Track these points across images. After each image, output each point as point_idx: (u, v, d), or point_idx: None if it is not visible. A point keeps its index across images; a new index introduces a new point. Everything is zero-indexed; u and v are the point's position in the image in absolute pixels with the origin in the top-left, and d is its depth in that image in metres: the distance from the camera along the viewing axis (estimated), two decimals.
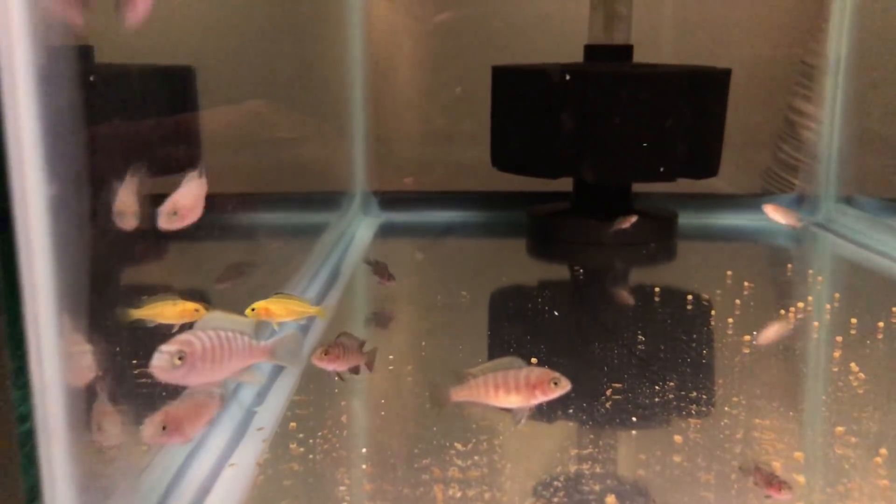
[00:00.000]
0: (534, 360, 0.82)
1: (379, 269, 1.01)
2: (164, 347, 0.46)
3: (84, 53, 0.63)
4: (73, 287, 0.41)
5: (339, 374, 0.64)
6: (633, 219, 1.27)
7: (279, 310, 0.67)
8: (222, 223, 1.00)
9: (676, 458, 0.64)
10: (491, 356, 0.88)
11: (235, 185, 1.07)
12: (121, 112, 0.76)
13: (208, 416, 0.52)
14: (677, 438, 0.67)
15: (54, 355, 0.40)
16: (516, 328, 0.96)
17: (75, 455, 0.43)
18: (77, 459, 0.43)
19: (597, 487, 0.60)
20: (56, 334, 0.40)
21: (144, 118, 0.85)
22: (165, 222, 0.57)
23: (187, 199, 0.57)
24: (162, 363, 0.45)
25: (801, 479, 0.60)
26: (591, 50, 1.39)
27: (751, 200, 1.55)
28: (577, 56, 1.40)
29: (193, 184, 0.59)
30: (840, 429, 0.68)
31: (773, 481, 0.56)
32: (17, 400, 0.40)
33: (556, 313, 1.02)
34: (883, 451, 0.63)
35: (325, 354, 0.60)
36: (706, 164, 1.34)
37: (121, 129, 0.75)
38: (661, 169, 1.29)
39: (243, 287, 0.88)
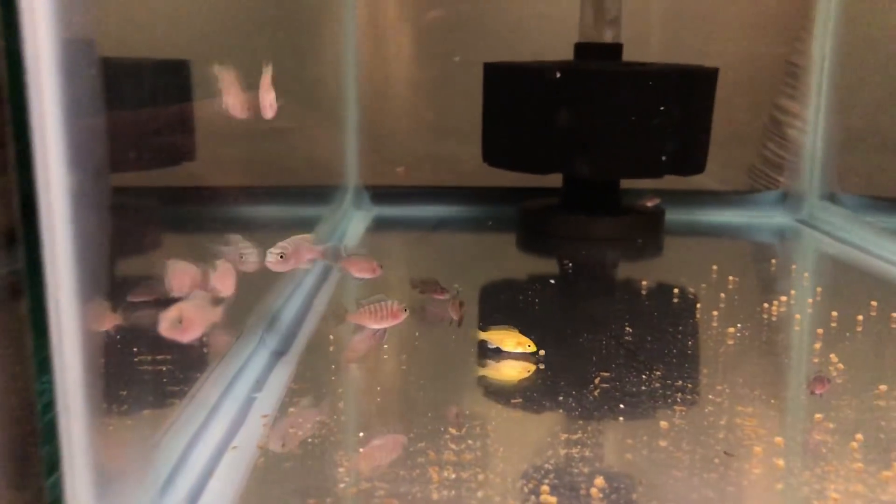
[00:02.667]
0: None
1: (429, 287, 1.00)
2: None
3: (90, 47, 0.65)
4: (93, 275, 0.43)
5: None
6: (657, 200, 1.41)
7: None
8: (218, 215, 1.02)
9: (662, 443, 0.66)
10: (482, 347, 0.90)
11: (230, 178, 1.09)
12: (124, 104, 0.78)
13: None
14: (663, 424, 0.69)
15: (75, 343, 0.43)
16: (507, 320, 0.98)
17: (93, 440, 0.45)
18: (95, 444, 0.45)
19: (586, 470, 0.62)
20: (77, 322, 0.42)
21: (143, 110, 0.87)
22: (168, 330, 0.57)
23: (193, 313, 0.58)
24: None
25: (780, 462, 0.63)
26: (581, 48, 1.41)
27: (736, 197, 1.59)
28: (568, 54, 1.42)
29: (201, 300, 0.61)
30: (819, 415, 0.70)
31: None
32: (40, 388, 0.43)
33: (546, 305, 1.04)
34: (859, 436, 0.66)
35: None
36: (693, 161, 1.37)
37: (125, 121, 0.76)
38: (649, 165, 1.32)
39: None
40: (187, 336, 0.55)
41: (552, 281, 1.09)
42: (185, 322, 0.54)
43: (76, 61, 0.43)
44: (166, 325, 0.53)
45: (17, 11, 0.38)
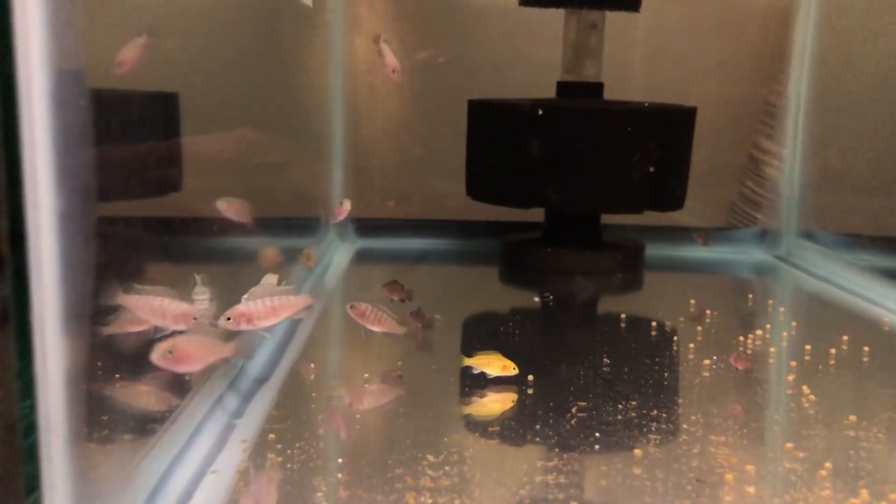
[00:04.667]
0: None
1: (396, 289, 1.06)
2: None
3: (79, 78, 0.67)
4: (78, 300, 0.44)
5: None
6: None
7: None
8: (205, 246, 1.04)
9: (636, 470, 0.67)
10: (464, 376, 0.91)
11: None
12: (113, 135, 0.79)
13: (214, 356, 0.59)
14: (637, 452, 0.70)
15: (58, 364, 0.44)
16: (489, 350, 0.99)
17: (74, 461, 0.46)
18: (76, 465, 0.46)
19: (561, 496, 0.63)
20: (61, 346, 0.43)
21: (131, 141, 0.89)
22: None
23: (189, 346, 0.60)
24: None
25: (751, 489, 0.64)
26: (563, 86, 1.44)
27: (716, 234, 1.61)
28: (550, 92, 1.46)
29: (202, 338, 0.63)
30: (789, 445, 0.72)
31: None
32: (23, 410, 0.44)
33: (527, 337, 1.06)
34: (828, 464, 0.68)
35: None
36: (672, 198, 1.40)
37: (113, 152, 0.78)
38: (629, 201, 1.34)
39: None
40: (180, 367, 0.57)
41: (536, 299, 1.12)
42: (176, 353, 0.56)
43: (66, 91, 0.44)
44: (157, 354, 0.55)
45: (12, 38, 0.39)
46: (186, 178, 1.03)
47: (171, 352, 0.57)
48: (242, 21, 1.32)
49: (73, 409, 0.46)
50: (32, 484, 0.44)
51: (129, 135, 0.88)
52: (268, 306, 0.70)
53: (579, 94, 1.43)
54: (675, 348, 1.01)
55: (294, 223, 1.39)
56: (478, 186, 1.44)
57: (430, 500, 0.62)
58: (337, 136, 1.57)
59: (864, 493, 0.63)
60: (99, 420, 0.59)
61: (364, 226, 1.57)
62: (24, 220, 0.43)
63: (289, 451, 0.69)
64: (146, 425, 0.68)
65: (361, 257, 1.50)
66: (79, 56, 0.49)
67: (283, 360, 0.92)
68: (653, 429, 0.75)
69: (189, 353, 0.58)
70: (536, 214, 1.47)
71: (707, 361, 0.93)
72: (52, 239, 0.43)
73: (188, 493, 0.62)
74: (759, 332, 1.06)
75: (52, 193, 0.43)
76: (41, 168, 0.43)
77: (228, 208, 0.97)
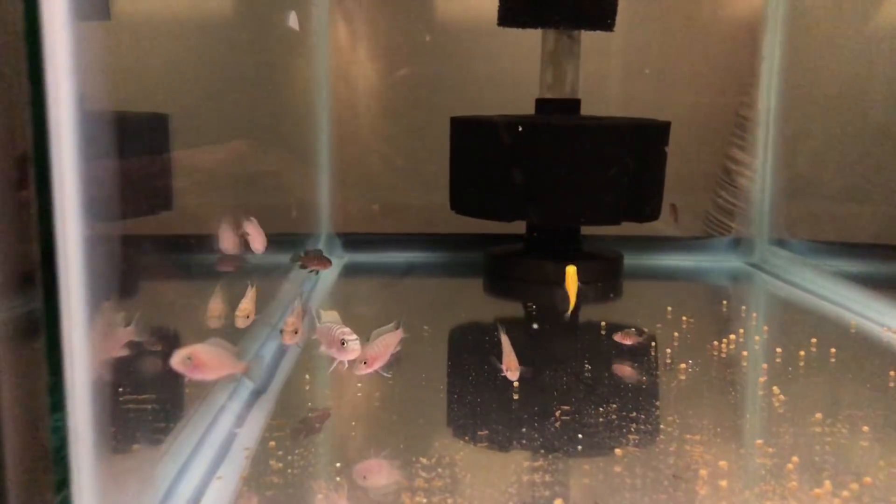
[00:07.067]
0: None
1: (308, 259, 1.08)
2: None
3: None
4: (100, 311, 0.49)
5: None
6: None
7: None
8: (191, 263, 1.07)
9: (617, 469, 0.72)
10: (451, 385, 0.96)
11: (206, 227, 1.14)
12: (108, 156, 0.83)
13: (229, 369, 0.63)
14: (618, 452, 0.75)
15: (85, 375, 0.48)
16: (474, 359, 1.04)
17: (99, 463, 0.50)
18: (101, 467, 0.50)
19: (546, 493, 0.68)
20: (87, 356, 0.47)
21: (125, 161, 0.92)
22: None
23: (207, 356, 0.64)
24: None
25: (724, 483, 0.69)
26: (542, 103, 1.49)
27: (692, 242, 1.67)
28: (530, 109, 1.51)
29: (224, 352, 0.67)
30: (760, 441, 0.77)
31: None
32: (52, 416, 0.48)
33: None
34: (794, 458, 0.73)
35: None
36: (648, 209, 1.45)
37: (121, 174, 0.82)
38: (606, 213, 1.40)
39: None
40: (195, 374, 0.61)
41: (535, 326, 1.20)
42: (194, 361, 0.60)
43: (91, 130, 0.49)
44: (177, 359, 0.59)
45: (44, 92, 0.44)
46: (178, 196, 1.07)
47: (189, 358, 0.61)
48: (232, 44, 1.36)
49: (98, 417, 0.50)
50: (62, 483, 0.48)
51: (122, 156, 0.91)
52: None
53: (558, 111, 1.48)
54: (652, 353, 1.06)
55: (283, 239, 1.43)
56: (461, 201, 1.49)
57: (424, 500, 0.66)
58: (323, 152, 1.61)
59: (828, 483, 0.68)
60: (118, 429, 0.63)
61: (351, 240, 1.62)
62: (53, 241, 0.47)
63: (289, 458, 0.73)
64: (157, 435, 0.72)
65: (349, 271, 1.54)
66: (105, 97, 0.53)
67: (278, 374, 0.96)
68: (632, 430, 0.80)
69: (205, 363, 0.62)
70: (518, 227, 1.52)
71: (683, 365, 0.98)
72: (78, 259, 0.47)
73: (196, 499, 0.66)
74: (732, 336, 1.11)
75: (78, 218, 0.47)
76: (69, 196, 0.47)
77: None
